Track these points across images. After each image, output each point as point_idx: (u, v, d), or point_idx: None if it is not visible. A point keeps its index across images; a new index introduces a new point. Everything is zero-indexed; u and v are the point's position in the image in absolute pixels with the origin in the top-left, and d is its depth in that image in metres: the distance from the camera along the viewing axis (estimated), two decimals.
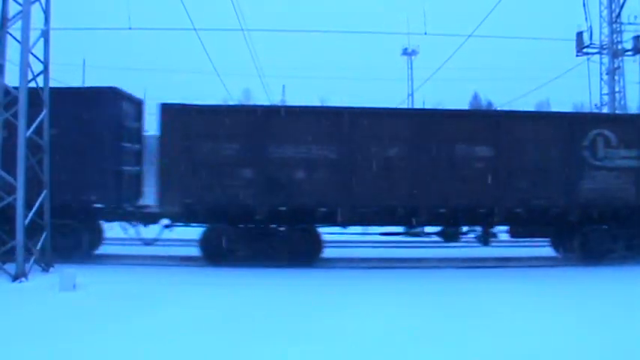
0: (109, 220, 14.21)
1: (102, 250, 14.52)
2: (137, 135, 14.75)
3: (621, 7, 25.48)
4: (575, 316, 8.63)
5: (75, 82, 35.18)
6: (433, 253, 15.19)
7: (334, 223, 13.78)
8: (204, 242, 13.47)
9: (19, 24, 11.25)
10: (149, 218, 13.89)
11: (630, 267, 13.42)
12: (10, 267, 11.00)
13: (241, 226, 13.55)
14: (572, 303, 9.67)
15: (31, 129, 11.27)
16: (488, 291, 10.59)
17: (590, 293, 10.46)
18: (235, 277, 12.03)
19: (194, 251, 13.66)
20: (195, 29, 21.15)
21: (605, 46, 25.95)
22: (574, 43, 26.73)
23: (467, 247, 15.33)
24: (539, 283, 11.61)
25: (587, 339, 7.33)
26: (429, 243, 15.31)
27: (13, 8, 11.28)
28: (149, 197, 14.48)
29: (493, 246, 14.87)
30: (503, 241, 15.14)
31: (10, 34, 11.31)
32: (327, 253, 14.10)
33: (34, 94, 11.34)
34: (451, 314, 8.71)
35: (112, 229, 14.56)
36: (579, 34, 26.43)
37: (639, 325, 8.17)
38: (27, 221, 11.19)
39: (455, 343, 7.15)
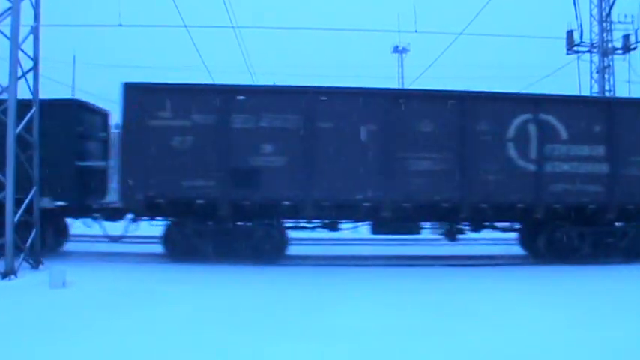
0: None
1: None
2: None
3: (611, 6, 25.60)
4: None
5: (65, 78, 35.05)
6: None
7: None
8: None
9: (8, 20, 11.19)
10: None
11: None
12: None
13: None
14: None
15: (25, 125, 11.24)
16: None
17: None
18: (225, 274, 12.06)
19: None
20: (185, 26, 21.09)
21: (595, 45, 26.08)
22: (564, 42, 26.87)
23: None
24: None
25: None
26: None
27: (2, 4, 11.23)
28: None
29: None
30: None
31: (0, 31, 11.26)
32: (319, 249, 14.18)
33: None
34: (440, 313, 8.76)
35: None
36: (569, 33, 26.54)
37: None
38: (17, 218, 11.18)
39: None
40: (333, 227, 14.22)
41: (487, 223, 14.46)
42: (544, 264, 13.87)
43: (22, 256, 11.43)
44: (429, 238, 16.86)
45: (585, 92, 26.25)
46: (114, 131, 15.35)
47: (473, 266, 13.77)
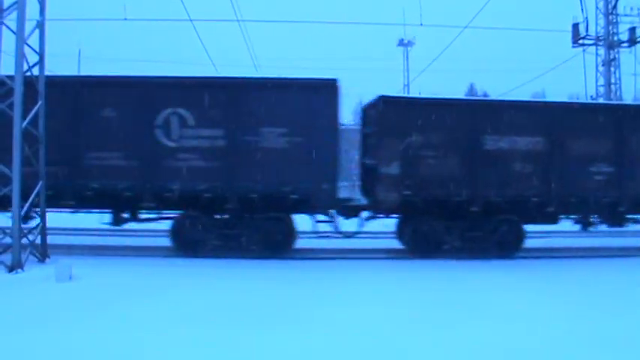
0: None
1: None
2: None
3: None
4: None
5: (70, 73, 35.04)
6: None
7: None
8: None
9: (14, 15, 11.22)
10: None
11: None
12: (6, 258, 11.01)
13: None
14: None
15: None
16: None
17: None
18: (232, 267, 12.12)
19: None
20: (191, 20, 21.09)
21: (601, 38, 26.01)
22: (570, 35, 26.78)
23: None
24: None
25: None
26: None
27: None
28: None
29: None
30: None
31: (6, 25, 11.27)
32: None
33: None
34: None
35: None
36: (575, 26, 26.47)
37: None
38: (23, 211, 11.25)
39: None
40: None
41: None
42: None
43: (28, 249, 11.49)
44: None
45: (590, 85, 26.25)
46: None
47: None
